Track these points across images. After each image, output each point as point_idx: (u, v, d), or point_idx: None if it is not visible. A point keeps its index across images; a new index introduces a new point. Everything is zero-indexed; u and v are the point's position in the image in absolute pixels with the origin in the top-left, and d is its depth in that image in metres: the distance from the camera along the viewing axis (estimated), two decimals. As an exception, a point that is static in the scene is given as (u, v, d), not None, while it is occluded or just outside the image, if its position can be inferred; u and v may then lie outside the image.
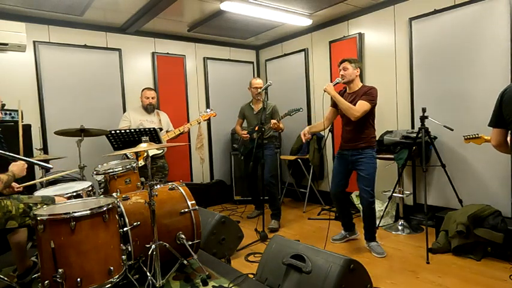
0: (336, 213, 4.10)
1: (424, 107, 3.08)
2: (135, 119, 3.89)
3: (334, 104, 3.16)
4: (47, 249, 1.74)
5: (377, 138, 3.75)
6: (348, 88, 3.13)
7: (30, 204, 2.05)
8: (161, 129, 3.93)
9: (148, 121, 3.91)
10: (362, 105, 2.89)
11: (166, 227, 2.35)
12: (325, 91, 3.02)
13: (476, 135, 2.58)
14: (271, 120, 3.67)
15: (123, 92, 4.38)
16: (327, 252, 2.12)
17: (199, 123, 4.01)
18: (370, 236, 3.11)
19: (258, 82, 3.98)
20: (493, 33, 3.09)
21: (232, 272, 2.43)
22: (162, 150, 3.86)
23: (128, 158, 3.54)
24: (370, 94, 2.94)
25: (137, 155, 3.52)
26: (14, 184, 2.23)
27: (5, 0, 3.30)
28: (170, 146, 2.69)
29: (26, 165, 2.22)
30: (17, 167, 2.17)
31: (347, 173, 3.18)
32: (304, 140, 3.18)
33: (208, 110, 4.13)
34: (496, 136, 1.89)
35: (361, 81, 4.13)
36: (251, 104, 4.09)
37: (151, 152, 3.72)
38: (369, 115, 2.98)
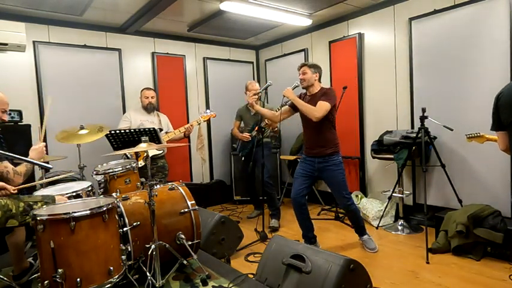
0: (335, 212, 4.10)
1: (423, 107, 3.08)
2: (136, 119, 3.89)
3: (293, 105, 3.12)
4: (46, 249, 1.74)
5: (377, 138, 3.79)
6: (307, 92, 3.10)
7: (31, 203, 2.05)
8: (161, 129, 3.92)
9: (149, 121, 3.90)
10: (322, 106, 2.85)
11: (166, 227, 2.35)
12: (284, 95, 2.99)
13: (478, 134, 2.59)
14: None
15: (123, 92, 4.38)
16: (326, 252, 2.12)
17: (199, 124, 4.00)
18: (360, 231, 3.17)
19: (257, 88, 3.88)
20: (492, 33, 3.09)
21: (232, 272, 2.44)
22: (162, 151, 3.86)
23: (127, 157, 3.54)
24: (328, 94, 2.90)
25: (137, 155, 3.52)
26: (8, 186, 2.19)
27: (5, 0, 3.30)
28: (170, 146, 2.70)
29: (44, 147, 2.18)
30: (36, 152, 2.10)
31: (311, 179, 3.09)
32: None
33: (208, 110, 4.12)
34: (502, 140, 1.87)
35: (360, 82, 4.18)
36: (248, 105, 4.05)
37: (152, 153, 3.72)
38: (329, 116, 2.92)
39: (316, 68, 3.05)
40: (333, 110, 2.94)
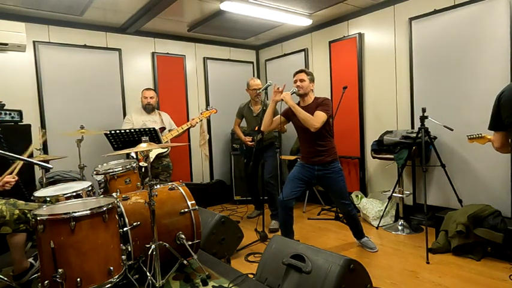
0: (335, 212, 4.10)
1: (424, 107, 3.09)
2: (138, 120, 3.89)
3: (285, 114, 3.03)
4: (46, 249, 1.74)
5: (377, 138, 3.79)
6: (301, 101, 3.00)
7: (26, 211, 2.04)
8: (164, 128, 3.93)
9: (151, 121, 3.90)
10: (320, 116, 2.78)
11: (166, 227, 2.35)
12: (282, 99, 2.84)
13: (480, 135, 2.59)
14: None
15: (123, 92, 4.38)
16: (326, 252, 2.12)
17: (201, 120, 4.01)
18: (359, 234, 3.20)
19: (257, 83, 3.90)
20: (492, 33, 3.09)
21: (232, 272, 2.43)
22: (167, 149, 3.87)
23: (132, 158, 3.53)
24: (325, 104, 2.83)
25: (138, 156, 3.51)
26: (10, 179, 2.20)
27: (5, 0, 3.30)
28: (170, 146, 2.70)
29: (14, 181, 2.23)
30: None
31: (307, 184, 3.02)
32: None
33: (209, 107, 4.14)
34: (498, 139, 1.88)
35: (361, 82, 4.18)
36: (250, 105, 4.04)
37: (156, 151, 3.72)
38: (326, 126, 2.87)
39: (313, 76, 2.99)
40: (329, 120, 2.89)
